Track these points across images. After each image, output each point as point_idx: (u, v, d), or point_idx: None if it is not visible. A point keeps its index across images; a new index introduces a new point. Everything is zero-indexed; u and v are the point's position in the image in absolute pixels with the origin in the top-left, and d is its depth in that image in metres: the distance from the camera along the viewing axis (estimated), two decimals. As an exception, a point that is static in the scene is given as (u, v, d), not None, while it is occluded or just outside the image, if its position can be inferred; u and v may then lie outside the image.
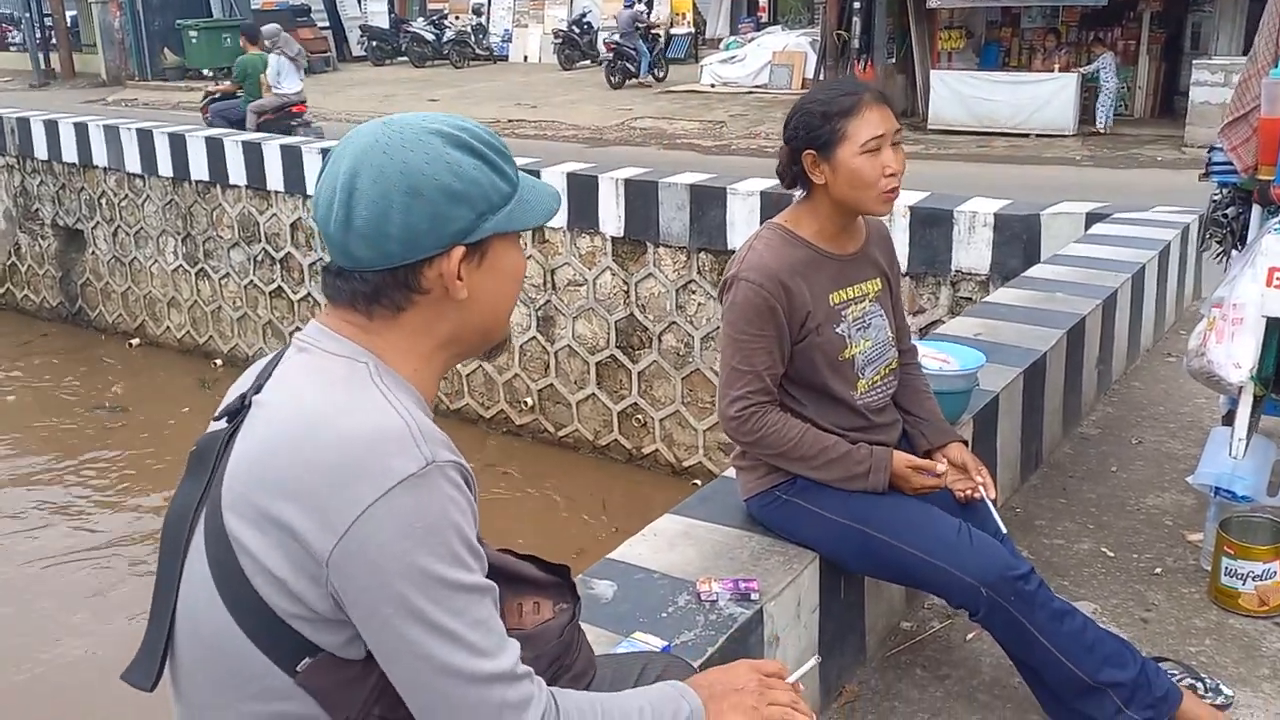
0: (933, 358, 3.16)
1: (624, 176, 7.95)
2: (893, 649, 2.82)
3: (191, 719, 1.27)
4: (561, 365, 8.63)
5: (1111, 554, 3.24)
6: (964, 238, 6.60)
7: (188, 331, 11.57)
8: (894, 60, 15.00)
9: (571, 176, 8.15)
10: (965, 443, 2.63)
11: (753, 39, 19.52)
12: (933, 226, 6.70)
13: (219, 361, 11.20)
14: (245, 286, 10.80)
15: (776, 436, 2.40)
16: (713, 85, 18.21)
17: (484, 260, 1.27)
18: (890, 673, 2.72)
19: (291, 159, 9.81)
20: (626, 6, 19.23)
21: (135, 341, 12.11)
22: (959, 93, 14.09)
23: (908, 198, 6.92)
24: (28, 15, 23.40)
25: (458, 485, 1.19)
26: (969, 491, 2.51)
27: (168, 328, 11.76)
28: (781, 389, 2.47)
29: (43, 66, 23.07)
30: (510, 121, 15.74)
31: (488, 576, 1.26)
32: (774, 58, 17.94)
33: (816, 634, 2.55)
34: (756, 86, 17.72)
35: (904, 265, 6.82)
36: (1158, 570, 3.14)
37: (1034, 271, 4.98)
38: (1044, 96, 13.75)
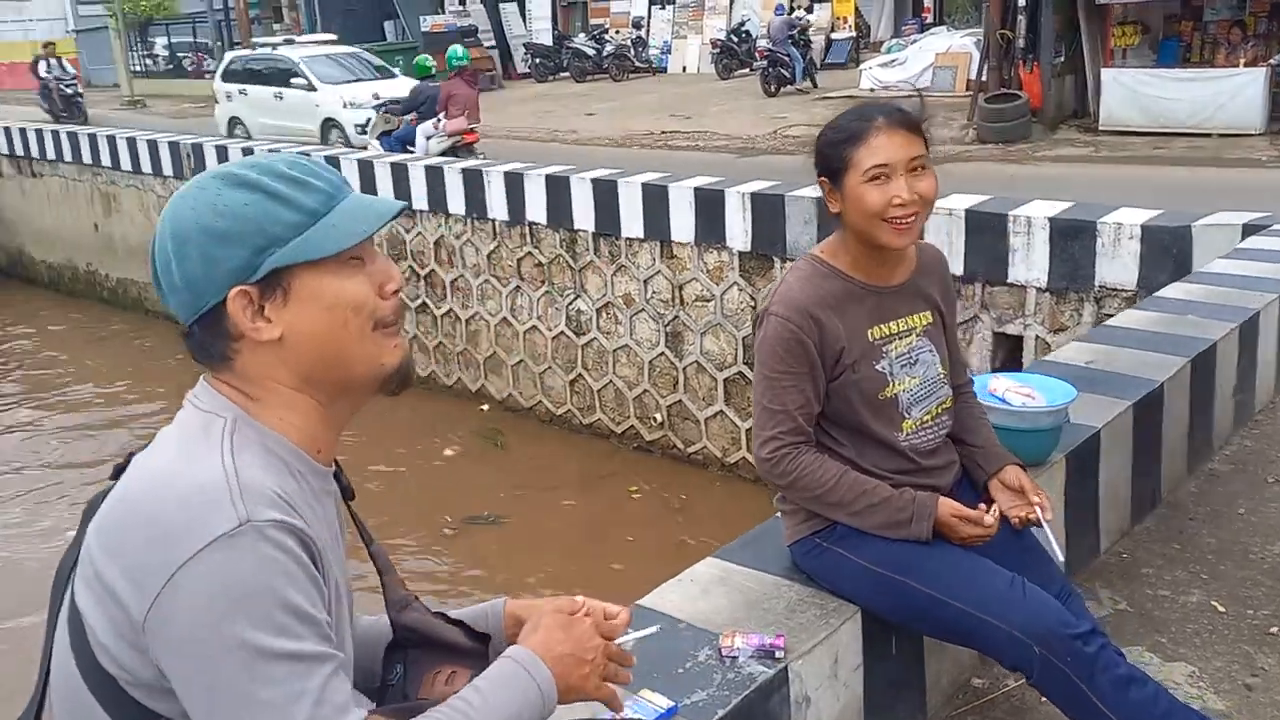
0: (1016, 392, 2.92)
1: (750, 190, 7.81)
2: (959, 708, 2.61)
3: None
4: (690, 381, 8.53)
5: (1222, 609, 2.92)
6: (1108, 250, 6.17)
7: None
8: (1062, 59, 14.26)
9: (699, 191, 8.06)
10: (1023, 466, 2.41)
11: (915, 41, 18.95)
12: (1074, 239, 6.29)
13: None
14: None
15: (811, 479, 2.26)
16: (872, 89, 17.71)
17: (289, 295, 1.20)
18: (951, 735, 2.52)
19: (435, 178, 10.06)
20: (778, 13, 18.99)
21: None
22: (1134, 91, 13.26)
23: (1047, 209, 6.53)
24: (219, 44, 24.93)
25: (280, 545, 1.11)
26: (1025, 514, 2.30)
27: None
28: (819, 429, 2.32)
29: (234, 92, 24.48)
30: (664, 133, 15.73)
31: (409, 640, 1.19)
32: (937, 59, 17.35)
33: (861, 692, 2.37)
34: (918, 90, 17.19)
35: (1044, 280, 6.44)
36: (1273, 630, 2.81)
37: (1167, 291, 4.56)
38: (1228, 93, 12.78)
